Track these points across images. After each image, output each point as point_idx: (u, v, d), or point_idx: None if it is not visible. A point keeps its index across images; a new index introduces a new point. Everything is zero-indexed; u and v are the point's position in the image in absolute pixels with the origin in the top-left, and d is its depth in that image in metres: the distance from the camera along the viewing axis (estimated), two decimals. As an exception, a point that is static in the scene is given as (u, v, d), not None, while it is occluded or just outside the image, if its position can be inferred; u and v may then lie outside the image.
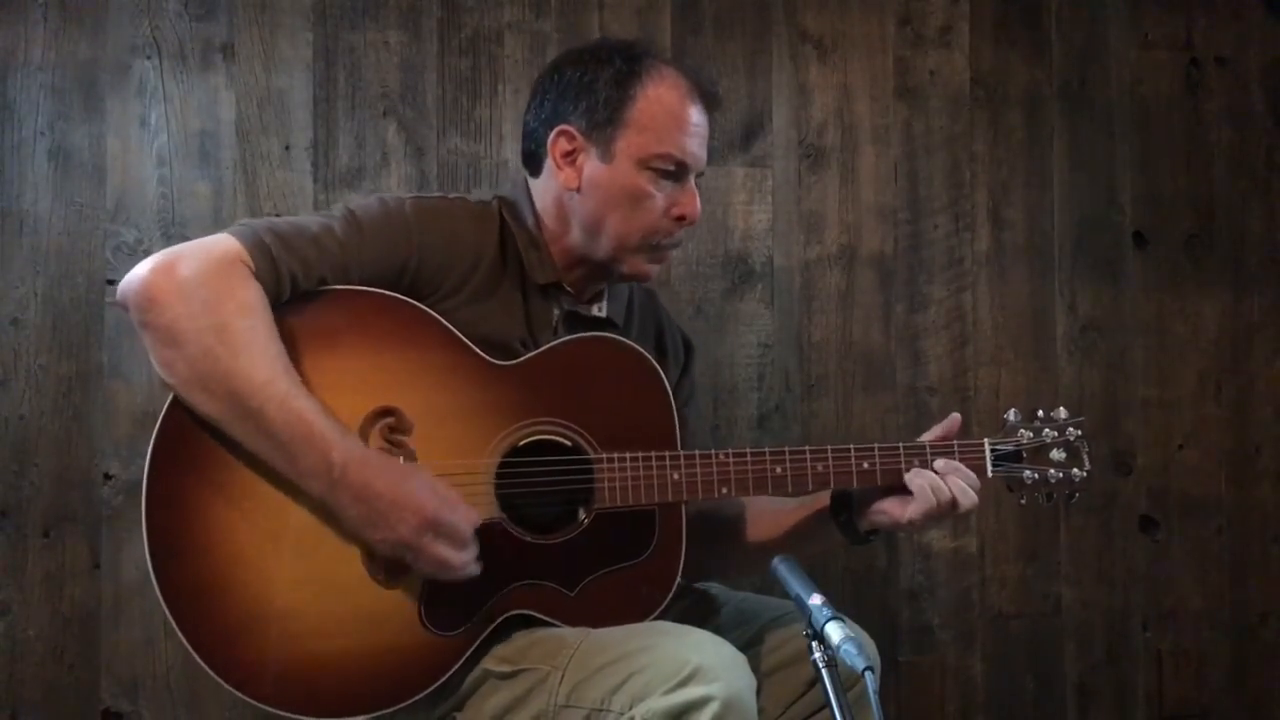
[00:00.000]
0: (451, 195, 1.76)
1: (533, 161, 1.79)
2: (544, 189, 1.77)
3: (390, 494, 1.51)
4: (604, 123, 1.69)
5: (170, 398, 1.54)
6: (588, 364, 1.68)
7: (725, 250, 2.60)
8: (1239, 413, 2.77)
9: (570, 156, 1.71)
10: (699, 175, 1.75)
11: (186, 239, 2.32)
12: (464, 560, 1.55)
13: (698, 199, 1.73)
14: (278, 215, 2.39)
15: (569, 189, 1.72)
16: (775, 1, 2.62)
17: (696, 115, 1.72)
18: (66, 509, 2.32)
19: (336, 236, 1.59)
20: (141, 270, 1.52)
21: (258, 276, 1.53)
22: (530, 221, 1.75)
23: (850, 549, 2.59)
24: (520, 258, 1.73)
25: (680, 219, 1.72)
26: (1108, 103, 2.75)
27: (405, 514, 1.50)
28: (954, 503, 1.67)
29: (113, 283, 1.59)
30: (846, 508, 1.76)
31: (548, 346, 1.68)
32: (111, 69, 2.37)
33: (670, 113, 1.69)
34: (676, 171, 1.70)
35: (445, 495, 1.54)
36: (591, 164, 1.70)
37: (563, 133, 1.71)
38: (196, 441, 1.53)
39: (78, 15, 2.36)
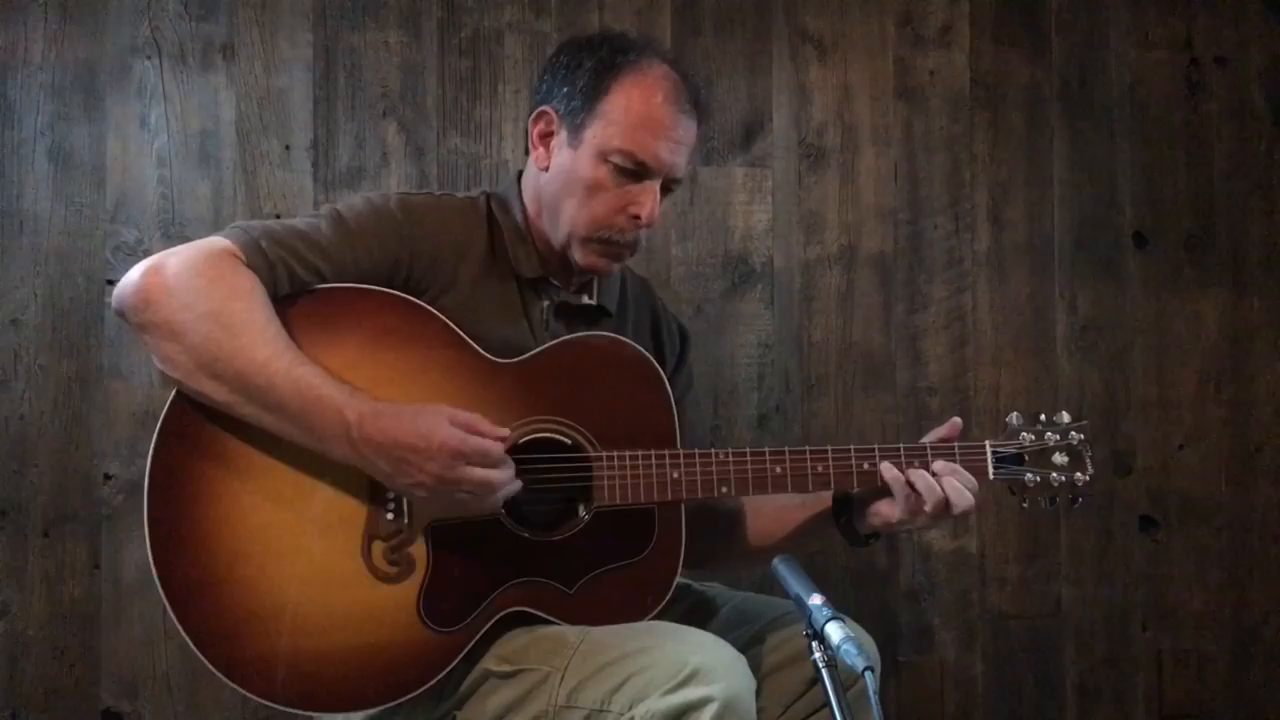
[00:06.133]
0: (438, 192, 1.78)
1: (526, 142, 1.81)
2: (528, 172, 1.79)
3: (413, 436, 1.49)
4: (578, 109, 1.69)
5: (172, 395, 1.54)
6: (588, 362, 1.68)
7: (725, 250, 2.60)
8: (1239, 413, 2.77)
9: (546, 138, 1.74)
10: (674, 182, 1.72)
11: (186, 239, 2.33)
12: (504, 477, 1.53)
13: (656, 203, 1.68)
14: (277, 215, 2.40)
15: (540, 168, 1.74)
16: (775, 1, 2.63)
17: (672, 120, 1.67)
18: (66, 509, 2.32)
19: (325, 233, 1.60)
20: (133, 275, 1.53)
21: (249, 266, 1.54)
22: (518, 215, 1.77)
23: (850, 549, 2.60)
24: (508, 252, 1.74)
25: (635, 219, 1.68)
26: (1108, 103, 2.74)
27: (432, 449, 1.49)
28: (947, 504, 1.66)
29: (112, 283, 1.59)
30: (847, 510, 1.76)
31: (549, 344, 1.68)
32: (111, 69, 2.37)
33: (641, 113, 1.66)
34: (636, 171, 1.67)
35: (466, 420, 1.52)
36: (561, 148, 1.71)
37: (542, 114, 1.73)
38: (198, 438, 1.54)
39: (78, 15, 2.37)
